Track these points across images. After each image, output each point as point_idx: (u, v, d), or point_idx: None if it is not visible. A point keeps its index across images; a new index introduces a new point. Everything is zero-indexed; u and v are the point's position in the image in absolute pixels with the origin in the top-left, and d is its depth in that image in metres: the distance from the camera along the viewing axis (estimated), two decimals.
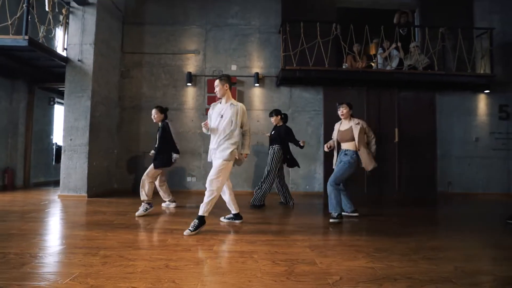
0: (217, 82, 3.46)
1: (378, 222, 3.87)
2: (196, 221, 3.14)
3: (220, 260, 2.35)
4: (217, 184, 3.21)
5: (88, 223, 3.54)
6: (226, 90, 3.47)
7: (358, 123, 3.97)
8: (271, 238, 3.00)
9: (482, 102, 6.85)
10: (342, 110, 4.07)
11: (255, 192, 4.76)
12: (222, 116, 3.42)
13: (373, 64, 7.17)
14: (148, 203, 4.04)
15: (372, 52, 7.35)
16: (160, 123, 4.40)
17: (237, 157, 3.45)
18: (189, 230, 3.06)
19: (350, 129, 3.96)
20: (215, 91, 3.49)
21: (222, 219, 3.73)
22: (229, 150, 3.30)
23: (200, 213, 3.17)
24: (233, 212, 3.69)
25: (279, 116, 4.94)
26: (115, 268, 2.13)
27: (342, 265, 2.29)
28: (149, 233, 3.14)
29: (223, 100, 3.53)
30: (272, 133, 4.95)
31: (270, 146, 4.89)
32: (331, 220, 3.74)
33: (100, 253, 2.43)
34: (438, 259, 2.44)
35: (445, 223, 4.01)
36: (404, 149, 6.61)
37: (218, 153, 3.34)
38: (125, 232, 3.11)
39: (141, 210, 3.96)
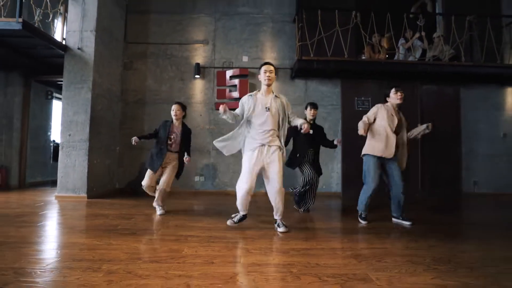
0: (271, 67, 3.07)
1: (416, 227, 3.37)
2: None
3: (254, 277, 1.88)
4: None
5: (88, 229, 3.06)
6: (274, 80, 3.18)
7: (405, 118, 3.51)
8: (306, 247, 2.52)
9: (510, 96, 6.39)
10: (401, 94, 3.42)
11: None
12: (268, 109, 3.03)
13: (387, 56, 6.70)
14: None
15: (386, 46, 6.87)
16: (179, 122, 3.95)
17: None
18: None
19: (402, 120, 3.46)
20: (264, 76, 3.04)
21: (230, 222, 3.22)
22: (283, 152, 3.13)
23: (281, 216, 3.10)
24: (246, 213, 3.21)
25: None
26: None
27: (405, 283, 1.83)
28: (160, 241, 2.66)
29: (265, 91, 3.11)
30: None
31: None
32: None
33: (103, 267, 1.97)
34: None
35: (495, 228, 3.46)
36: (427, 146, 6.15)
37: (272, 155, 3.01)
38: (132, 239, 2.64)
39: (162, 210, 3.86)
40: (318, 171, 4.16)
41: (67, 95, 4.97)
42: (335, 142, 4.12)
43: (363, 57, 6.04)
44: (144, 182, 3.82)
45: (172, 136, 3.87)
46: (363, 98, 6.11)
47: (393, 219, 3.56)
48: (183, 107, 3.98)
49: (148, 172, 3.85)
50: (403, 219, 3.47)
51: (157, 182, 3.90)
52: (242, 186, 2.96)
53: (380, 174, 3.43)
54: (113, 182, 5.80)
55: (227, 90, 6.00)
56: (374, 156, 3.40)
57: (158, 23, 6.17)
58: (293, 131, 4.06)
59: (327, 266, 2.07)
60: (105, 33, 5.34)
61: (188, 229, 3.09)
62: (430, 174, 6.12)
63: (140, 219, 3.52)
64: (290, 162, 4.16)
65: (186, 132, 3.95)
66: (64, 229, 3.06)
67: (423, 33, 5.93)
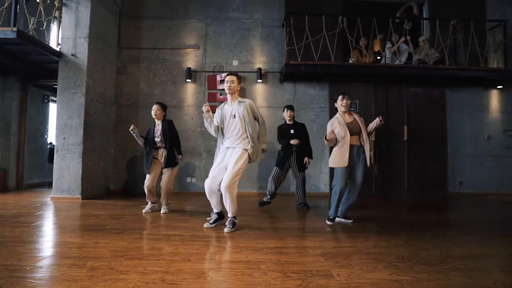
0: (232, 77, 3.31)
1: (390, 226, 3.56)
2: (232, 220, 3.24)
3: (224, 273, 2.06)
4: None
5: (78, 228, 3.25)
6: (239, 89, 3.38)
7: (359, 116, 3.68)
8: (280, 245, 2.71)
9: (494, 98, 6.56)
10: (346, 101, 3.64)
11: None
12: (234, 116, 3.27)
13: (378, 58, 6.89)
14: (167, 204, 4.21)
15: (377, 48, 7.04)
16: (160, 121, 4.18)
17: (251, 156, 3.31)
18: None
19: (356, 121, 3.61)
20: (226, 86, 3.30)
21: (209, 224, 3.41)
22: (247, 148, 3.26)
23: (232, 215, 3.24)
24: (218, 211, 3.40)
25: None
26: (103, 283, 1.85)
27: (363, 278, 2.01)
28: (144, 239, 2.85)
29: (230, 99, 3.36)
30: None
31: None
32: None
33: (88, 264, 2.15)
34: (470, 270, 2.16)
35: (466, 227, 3.64)
36: (413, 147, 6.32)
37: (234, 154, 3.22)
38: (119, 238, 2.83)
39: (166, 209, 4.16)
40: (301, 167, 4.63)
41: (62, 100, 5.15)
42: (305, 162, 4.64)
43: (350, 61, 6.21)
44: (145, 184, 4.10)
45: (156, 136, 4.13)
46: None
47: (337, 219, 3.68)
48: (163, 106, 4.22)
49: (147, 175, 4.12)
50: (345, 218, 3.67)
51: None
52: (205, 185, 3.23)
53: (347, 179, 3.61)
54: (108, 184, 5.98)
55: (218, 93, 6.17)
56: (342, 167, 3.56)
57: (151, 28, 6.35)
58: (279, 134, 4.52)
59: (294, 263, 2.25)
60: (98, 39, 5.52)
61: (173, 228, 3.28)
62: (416, 175, 6.29)
63: (130, 219, 3.70)
64: (278, 162, 4.63)
65: (165, 127, 4.13)
66: (56, 229, 3.25)
67: (408, 37, 6.08)
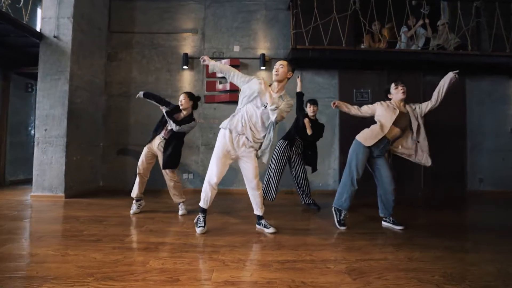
0: (284, 62, 2.79)
1: (417, 230, 3.03)
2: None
3: None
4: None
5: (49, 236, 2.69)
6: (289, 77, 2.82)
7: (415, 109, 3.15)
8: (292, 258, 2.18)
9: None
10: (402, 88, 3.11)
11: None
12: (265, 106, 2.70)
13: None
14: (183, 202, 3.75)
15: (387, 37, 6.47)
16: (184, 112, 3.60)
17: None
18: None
19: (407, 116, 3.10)
20: (273, 71, 2.77)
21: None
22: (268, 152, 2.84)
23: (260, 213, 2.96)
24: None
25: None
26: None
27: None
28: (125, 250, 2.31)
29: (276, 86, 2.79)
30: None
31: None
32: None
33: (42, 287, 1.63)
34: None
35: (507, 234, 3.12)
36: (430, 141, 5.72)
37: (252, 152, 2.83)
38: (93, 248, 2.30)
39: (184, 210, 3.69)
40: (310, 163, 4.22)
41: (43, 87, 4.60)
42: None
43: (362, 46, 5.66)
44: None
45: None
46: (362, 90, 5.74)
47: (383, 223, 3.23)
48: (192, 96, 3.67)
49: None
50: (394, 223, 3.14)
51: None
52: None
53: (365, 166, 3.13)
54: (97, 180, 5.46)
55: (217, 82, 5.62)
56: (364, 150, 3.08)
57: (144, 10, 5.78)
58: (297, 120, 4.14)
59: (314, 286, 1.73)
60: (84, 20, 4.96)
61: (162, 235, 2.75)
62: (433, 171, 5.75)
63: (113, 222, 3.18)
64: (286, 136, 4.21)
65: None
66: (22, 236, 2.71)
67: (426, 21, 5.53)
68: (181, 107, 3.53)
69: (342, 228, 3.05)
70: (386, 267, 2.03)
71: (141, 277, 1.79)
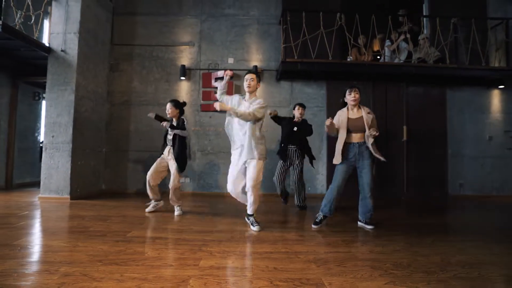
0: (252, 75, 3.29)
1: (388, 230, 3.40)
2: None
3: (207, 281, 1.90)
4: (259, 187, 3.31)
5: (59, 231, 3.08)
6: (258, 87, 3.38)
7: (369, 113, 3.42)
8: (269, 250, 2.55)
9: (496, 98, 6.40)
10: (354, 95, 3.38)
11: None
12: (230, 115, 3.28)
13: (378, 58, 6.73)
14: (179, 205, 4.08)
15: (376, 48, 6.89)
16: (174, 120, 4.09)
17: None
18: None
19: (362, 118, 3.38)
20: (245, 84, 3.29)
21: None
22: (264, 150, 3.32)
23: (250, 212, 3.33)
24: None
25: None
26: None
27: (357, 287, 1.85)
28: (127, 243, 2.68)
29: (248, 96, 3.33)
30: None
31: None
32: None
33: (61, 270, 2.00)
34: (473, 280, 2.00)
35: (467, 232, 3.45)
36: (413, 148, 6.18)
37: (253, 154, 3.22)
38: (100, 241, 2.67)
39: (180, 211, 4.01)
40: (307, 155, 4.66)
41: (50, 97, 4.99)
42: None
43: (349, 59, 6.06)
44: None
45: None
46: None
47: (358, 223, 3.59)
48: (177, 104, 4.18)
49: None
50: (366, 223, 3.50)
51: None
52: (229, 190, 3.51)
53: (346, 178, 3.45)
54: (99, 183, 5.83)
55: (213, 92, 6.02)
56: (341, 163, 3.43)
57: (144, 24, 6.20)
58: (282, 125, 4.70)
59: (283, 270, 2.10)
60: (89, 35, 5.36)
61: (159, 231, 3.13)
62: (415, 176, 6.14)
63: (116, 220, 3.55)
64: (279, 152, 4.63)
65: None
66: (35, 232, 3.09)
67: (408, 35, 5.94)
68: (168, 116, 4.04)
69: (314, 227, 3.42)
70: (348, 258, 2.40)
71: (140, 263, 2.16)
